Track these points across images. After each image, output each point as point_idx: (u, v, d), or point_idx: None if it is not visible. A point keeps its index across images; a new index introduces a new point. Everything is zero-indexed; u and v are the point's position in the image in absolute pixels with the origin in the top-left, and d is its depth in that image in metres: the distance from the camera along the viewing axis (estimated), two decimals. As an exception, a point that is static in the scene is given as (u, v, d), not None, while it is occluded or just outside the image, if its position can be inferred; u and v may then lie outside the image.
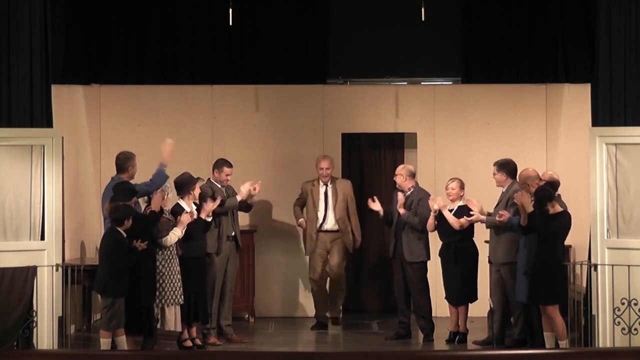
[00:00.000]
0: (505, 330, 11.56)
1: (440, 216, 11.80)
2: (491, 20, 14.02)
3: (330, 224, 12.69)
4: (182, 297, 11.15)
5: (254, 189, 11.97)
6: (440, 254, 11.98)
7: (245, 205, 12.11)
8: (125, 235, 10.52)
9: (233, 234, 11.93)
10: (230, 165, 12.02)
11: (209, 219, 11.55)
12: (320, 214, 12.67)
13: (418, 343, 11.89)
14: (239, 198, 11.84)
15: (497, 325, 11.51)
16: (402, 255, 11.94)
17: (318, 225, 12.66)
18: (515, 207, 11.28)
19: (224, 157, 12.24)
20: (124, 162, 11.55)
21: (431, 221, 11.90)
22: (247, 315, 13.35)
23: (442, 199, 11.89)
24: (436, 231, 11.96)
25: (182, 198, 11.45)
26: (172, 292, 11.08)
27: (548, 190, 10.74)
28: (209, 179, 12.02)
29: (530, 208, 10.63)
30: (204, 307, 11.50)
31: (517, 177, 11.38)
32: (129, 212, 10.55)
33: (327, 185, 12.69)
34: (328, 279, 12.82)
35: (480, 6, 14.05)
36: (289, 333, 12.88)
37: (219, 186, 11.94)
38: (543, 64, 13.88)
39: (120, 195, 10.76)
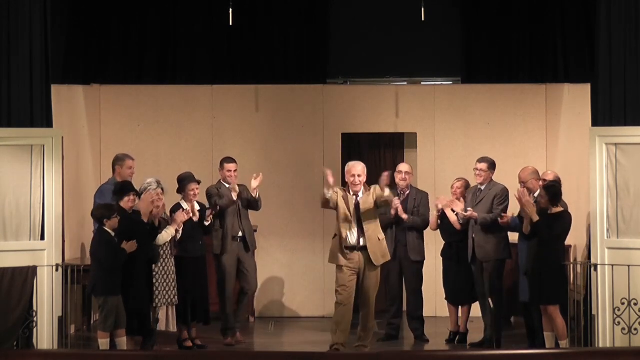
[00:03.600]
0: (502, 330, 11.57)
1: (442, 215, 11.81)
2: (491, 20, 14.02)
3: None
4: (177, 297, 11.15)
5: (256, 180, 11.79)
6: (443, 253, 11.98)
7: (251, 203, 11.88)
8: (113, 234, 10.52)
9: (240, 234, 11.85)
10: (230, 161, 11.91)
11: (207, 223, 11.54)
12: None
13: (410, 344, 11.90)
14: (234, 195, 11.79)
15: (492, 326, 11.55)
16: (404, 256, 11.92)
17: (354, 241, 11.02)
18: (503, 205, 11.33)
19: (229, 156, 12.14)
20: (113, 163, 11.70)
21: (433, 220, 11.91)
22: (247, 315, 13.34)
23: (446, 197, 11.89)
24: (438, 230, 11.97)
25: (183, 198, 11.49)
26: (165, 293, 11.08)
27: (558, 186, 10.77)
28: (219, 180, 11.99)
29: (535, 217, 10.59)
30: (204, 307, 11.50)
31: (519, 176, 11.39)
32: (109, 211, 10.54)
33: (357, 196, 11.02)
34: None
35: (480, 6, 14.05)
36: (289, 333, 12.88)
37: (227, 185, 11.89)
38: (543, 64, 13.88)
39: (113, 195, 10.83)
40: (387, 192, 10.81)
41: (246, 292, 11.95)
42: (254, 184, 11.78)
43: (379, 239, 10.99)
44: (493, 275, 11.44)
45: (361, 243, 10.91)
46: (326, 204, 10.95)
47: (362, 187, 10.99)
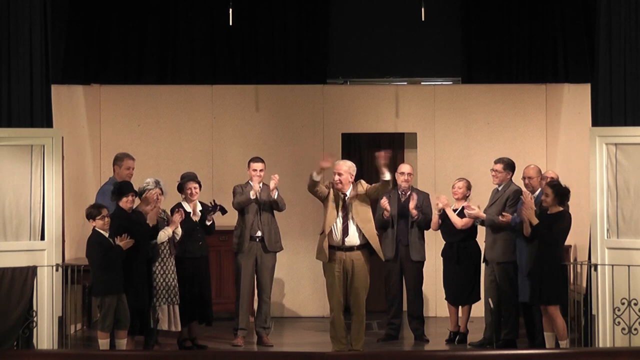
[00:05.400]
0: (502, 331, 11.55)
1: (444, 215, 11.80)
2: (491, 20, 14.03)
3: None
4: (178, 297, 11.15)
5: (272, 181, 11.66)
6: (443, 253, 11.98)
7: (272, 204, 11.77)
8: (106, 234, 10.52)
9: (259, 234, 11.81)
10: (256, 160, 11.84)
11: (208, 223, 11.54)
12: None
13: (410, 344, 11.90)
14: (252, 194, 11.74)
15: (492, 326, 11.54)
16: (405, 257, 11.91)
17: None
18: (514, 207, 11.31)
19: (255, 156, 12.05)
20: (113, 162, 11.64)
21: (435, 220, 11.89)
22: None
23: (446, 197, 11.89)
24: (439, 230, 11.96)
25: (184, 197, 11.51)
26: (164, 292, 11.08)
27: (562, 186, 10.77)
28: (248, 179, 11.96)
29: (535, 220, 10.59)
30: (204, 307, 11.48)
31: (524, 172, 11.40)
32: (96, 211, 10.53)
33: (345, 195, 10.86)
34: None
35: (480, 6, 14.05)
36: (289, 333, 12.88)
37: (252, 184, 11.82)
38: (543, 64, 13.88)
39: (111, 195, 10.84)
40: (387, 175, 10.63)
41: (259, 295, 11.94)
42: (271, 184, 11.72)
43: (377, 234, 10.93)
44: (501, 277, 11.40)
45: (346, 243, 10.75)
46: (313, 187, 10.74)
47: (351, 186, 10.79)
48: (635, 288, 10.63)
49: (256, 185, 11.69)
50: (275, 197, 11.72)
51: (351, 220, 10.76)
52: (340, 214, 10.76)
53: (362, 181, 10.93)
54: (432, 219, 11.94)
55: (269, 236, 11.80)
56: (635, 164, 10.76)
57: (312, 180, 10.73)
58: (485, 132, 14.02)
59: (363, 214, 10.80)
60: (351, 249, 10.77)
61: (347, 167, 10.81)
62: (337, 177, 10.78)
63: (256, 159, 11.87)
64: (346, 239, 10.76)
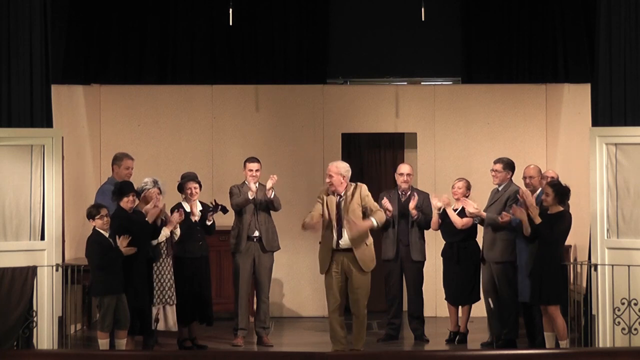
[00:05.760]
0: (502, 331, 11.56)
1: (444, 215, 11.80)
2: (491, 20, 14.03)
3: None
4: (174, 297, 11.14)
5: (270, 180, 11.65)
6: (443, 253, 11.97)
7: (268, 203, 11.78)
8: (106, 234, 10.51)
9: (256, 234, 11.80)
10: (252, 160, 11.82)
11: (209, 223, 11.54)
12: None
13: (410, 344, 11.90)
14: (250, 195, 11.74)
15: (492, 326, 11.55)
16: (405, 257, 11.91)
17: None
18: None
19: (252, 156, 12.03)
20: (112, 162, 11.64)
21: (435, 219, 11.88)
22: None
23: (447, 196, 11.89)
24: (439, 230, 11.96)
25: (184, 197, 11.51)
26: (161, 292, 11.07)
27: (562, 185, 10.77)
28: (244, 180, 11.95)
29: (537, 219, 10.59)
30: (204, 307, 11.48)
31: (524, 171, 11.41)
32: (95, 210, 10.53)
33: (339, 196, 10.74)
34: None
35: (480, 6, 14.05)
36: (289, 333, 12.88)
37: (248, 184, 11.82)
38: (543, 64, 13.89)
39: (112, 195, 10.83)
40: (372, 222, 10.60)
41: (258, 295, 11.94)
42: (268, 184, 11.72)
43: (367, 244, 10.69)
44: (500, 277, 11.41)
45: (341, 245, 10.63)
46: (305, 227, 10.78)
47: (346, 187, 10.66)
48: (635, 288, 10.63)
49: (252, 186, 11.68)
50: (271, 196, 11.71)
51: (345, 223, 10.65)
52: (334, 216, 10.66)
53: (364, 186, 10.77)
54: (432, 219, 11.94)
55: (267, 236, 11.81)
56: (635, 164, 10.76)
57: (303, 227, 10.74)
58: (485, 132, 14.02)
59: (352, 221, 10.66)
60: (346, 250, 10.69)
61: (338, 169, 10.69)
62: (327, 180, 10.73)
63: (252, 159, 11.87)
64: (340, 241, 10.67)
